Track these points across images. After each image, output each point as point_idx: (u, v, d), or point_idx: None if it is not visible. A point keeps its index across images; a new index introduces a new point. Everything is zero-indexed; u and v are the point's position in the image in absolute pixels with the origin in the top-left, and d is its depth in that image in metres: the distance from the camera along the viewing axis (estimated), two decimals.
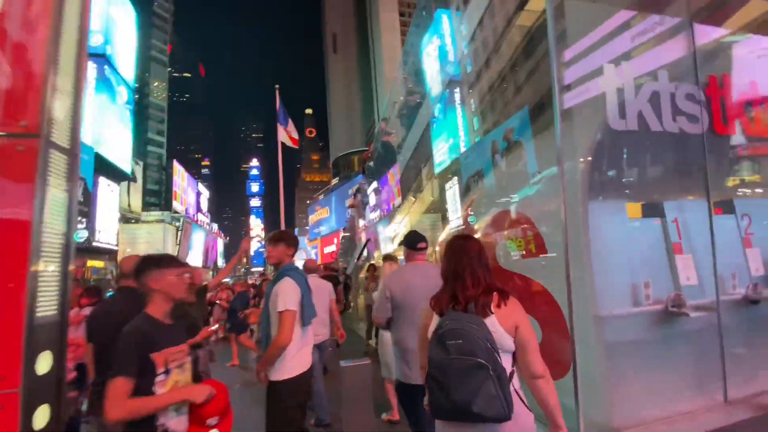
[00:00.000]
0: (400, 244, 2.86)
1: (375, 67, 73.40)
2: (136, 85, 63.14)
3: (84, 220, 29.21)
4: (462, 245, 1.52)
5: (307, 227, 68.01)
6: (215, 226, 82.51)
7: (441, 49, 14.61)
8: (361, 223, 18.99)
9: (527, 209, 2.72)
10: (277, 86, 15.79)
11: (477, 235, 3.31)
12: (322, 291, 3.89)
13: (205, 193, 75.81)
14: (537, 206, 2.67)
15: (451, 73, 13.68)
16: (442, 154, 14.44)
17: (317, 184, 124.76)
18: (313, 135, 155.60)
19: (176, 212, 55.70)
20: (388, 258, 4.50)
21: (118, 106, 36.44)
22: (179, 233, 53.32)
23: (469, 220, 3.43)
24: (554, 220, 2.31)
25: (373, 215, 17.76)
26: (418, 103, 15.23)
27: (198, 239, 59.85)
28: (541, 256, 2.53)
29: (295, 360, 2.21)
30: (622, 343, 2.25)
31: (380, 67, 70.16)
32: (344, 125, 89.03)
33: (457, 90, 13.76)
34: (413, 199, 11.75)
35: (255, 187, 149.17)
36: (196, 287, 3.06)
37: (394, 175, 15.13)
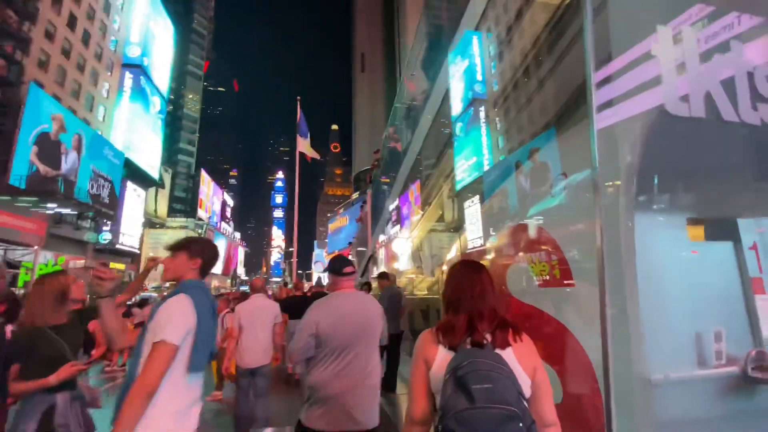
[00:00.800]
0: (325, 269, 2.24)
1: (400, 86, 74.13)
2: (171, 97, 66.31)
3: (109, 222, 30.10)
4: (476, 270, 1.35)
5: (326, 240, 68.18)
6: (238, 235, 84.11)
7: (468, 69, 14.86)
8: (381, 237, 18.56)
9: (550, 225, 2.10)
10: (298, 98, 15.87)
11: (489, 256, 2.77)
12: (265, 313, 3.60)
13: (230, 203, 77.88)
14: (562, 221, 2.05)
15: (478, 92, 13.67)
16: (463, 171, 14.18)
17: (339, 198, 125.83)
18: (337, 150, 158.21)
19: (200, 219, 57.10)
20: (383, 276, 4.01)
21: (151, 115, 37.98)
22: None
23: (490, 240, 2.91)
24: (585, 240, 1.70)
25: (393, 231, 17.34)
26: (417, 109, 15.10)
27: (220, 247, 60.72)
28: (565, 283, 1.89)
29: (168, 426, 1.41)
30: (682, 421, 1.57)
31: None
32: (368, 141, 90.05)
33: (482, 109, 13.75)
34: (421, 213, 11.19)
35: (279, 199, 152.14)
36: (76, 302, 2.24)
37: (413, 191, 14.77)
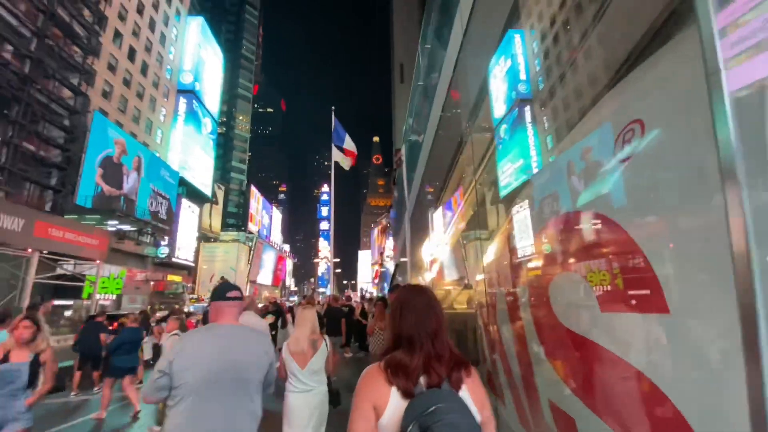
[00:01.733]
0: (212, 297, 1.87)
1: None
2: (223, 119, 71.01)
3: (166, 237, 32.22)
4: (431, 300, 1.20)
5: (369, 250, 68.36)
6: (287, 248, 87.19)
7: (510, 69, 14.50)
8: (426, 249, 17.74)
9: (623, 214, 1.33)
10: (333, 107, 15.78)
11: (536, 264, 2.18)
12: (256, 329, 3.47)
13: (278, 217, 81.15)
14: (648, 206, 1.26)
15: (522, 92, 13.87)
16: (508, 176, 13.57)
17: (381, 209, 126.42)
18: (379, 161, 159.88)
19: (251, 233, 59.83)
20: (394, 291, 3.37)
21: (203, 137, 40.57)
22: (251, 253, 56.95)
23: (543, 249, 2.23)
24: (677, 228, 0.94)
25: (436, 239, 16.63)
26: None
27: (269, 259, 63.34)
28: (653, 305, 1.13)
29: None
30: None
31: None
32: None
33: (528, 108, 13.98)
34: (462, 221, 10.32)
35: (324, 211, 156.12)
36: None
37: (457, 198, 14.14)
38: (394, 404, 1.03)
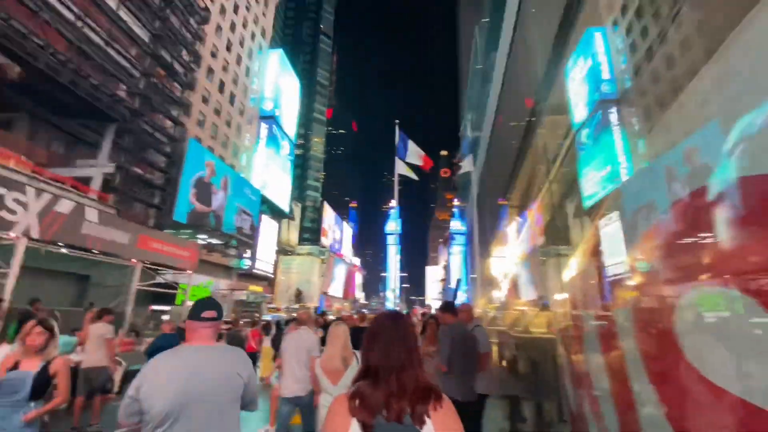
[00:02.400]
0: (189, 314, 1.76)
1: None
2: (300, 141, 76.41)
3: (248, 250, 35.03)
4: (399, 330, 1.19)
5: (437, 265, 66.86)
6: (357, 261, 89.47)
7: (591, 70, 13.48)
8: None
9: None
10: (396, 121, 15.77)
11: (635, 282, 1.75)
12: (300, 345, 3.76)
13: (349, 231, 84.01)
14: None
15: (607, 92, 12.46)
16: (593, 185, 12.20)
17: (450, 222, 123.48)
18: (447, 175, 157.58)
19: (323, 247, 62.58)
20: (448, 309, 2.92)
21: (282, 158, 43.89)
22: (324, 266, 59.34)
23: (637, 266, 1.77)
24: None
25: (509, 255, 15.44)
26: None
27: (340, 272, 65.41)
28: None
29: None
30: None
31: None
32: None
33: (613, 110, 12.36)
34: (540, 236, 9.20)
35: (390, 227, 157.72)
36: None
37: (533, 211, 12.96)
38: None
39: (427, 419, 1.06)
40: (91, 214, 13.85)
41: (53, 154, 19.11)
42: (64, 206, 12.77)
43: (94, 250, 14.71)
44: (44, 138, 19.10)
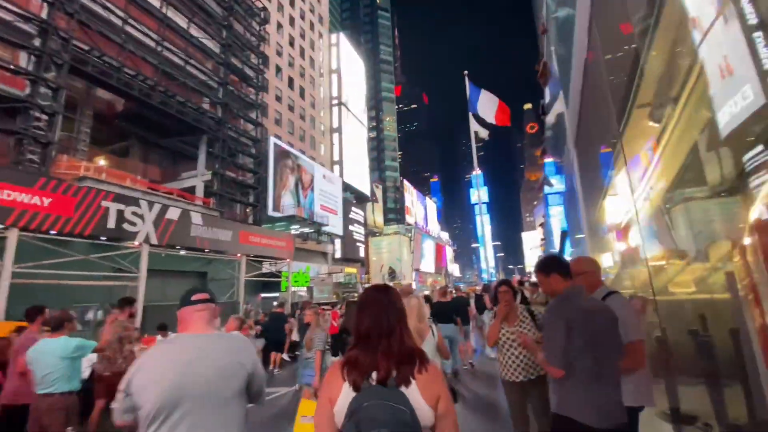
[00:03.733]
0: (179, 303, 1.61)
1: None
2: (372, 124, 76.87)
3: (339, 236, 36.69)
4: (388, 297, 1.27)
5: (533, 231, 62.00)
6: (445, 235, 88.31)
7: None
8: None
9: None
10: (465, 72, 14.16)
11: None
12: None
13: (432, 207, 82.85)
14: None
15: None
16: (732, 104, 8.96)
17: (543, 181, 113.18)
18: (534, 131, 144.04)
19: (409, 225, 62.77)
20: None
21: (357, 142, 44.50)
22: (411, 243, 59.60)
23: None
24: None
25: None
26: None
27: (428, 247, 65.15)
28: None
29: None
30: None
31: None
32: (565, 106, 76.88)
33: None
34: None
35: (474, 197, 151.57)
36: None
37: (648, 154, 10.25)
38: (344, 396, 1.12)
39: (412, 380, 1.12)
40: (196, 217, 15.39)
41: (164, 172, 21.92)
42: (173, 213, 14.34)
43: (205, 250, 16.45)
44: (155, 159, 21.97)
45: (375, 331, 1.19)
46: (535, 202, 72.66)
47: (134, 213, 12.92)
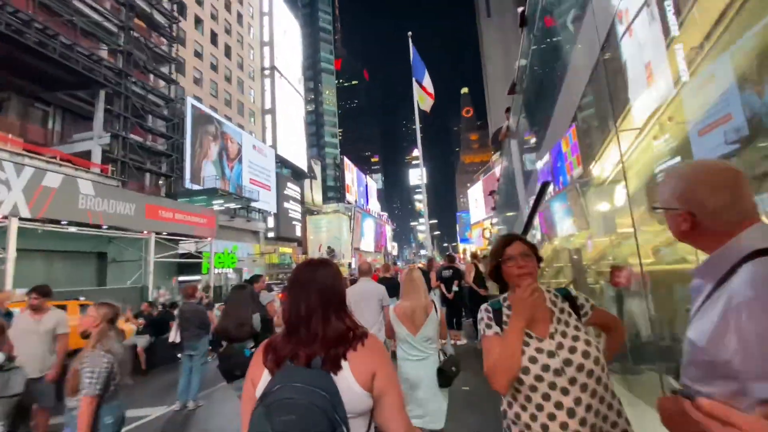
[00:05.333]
0: None
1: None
2: (310, 96, 73.01)
3: (272, 213, 34.30)
4: (307, 274, 1.12)
5: (467, 211, 64.74)
6: (385, 215, 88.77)
7: None
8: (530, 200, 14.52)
9: None
10: (409, 33, 13.22)
11: None
12: (370, 295, 3.58)
13: (373, 185, 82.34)
14: None
15: None
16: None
17: (478, 165, 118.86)
18: (470, 115, 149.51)
19: (349, 203, 61.65)
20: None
21: (292, 112, 41.48)
22: (351, 222, 58.78)
23: None
24: None
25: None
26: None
27: (368, 227, 64.85)
28: None
29: None
30: None
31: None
32: (504, 94, 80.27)
33: None
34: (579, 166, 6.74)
35: (414, 177, 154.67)
36: None
37: (568, 139, 10.30)
38: (263, 381, 1.02)
39: (342, 362, 1.00)
40: (86, 186, 12.69)
41: (50, 133, 18.01)
42: (52, 180, 11.59)
43: (102, 226, 13.81)
44: (38, 117, 17.92)
45: (296, 314, 1.06)
46: (469, 184, 75.71)
47: None
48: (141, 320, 5.77)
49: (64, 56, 14.55)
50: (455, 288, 6.34)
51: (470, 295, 6.39)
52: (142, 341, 5.73)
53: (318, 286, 1.08)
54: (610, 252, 3.43)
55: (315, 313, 1.04)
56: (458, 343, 6.25)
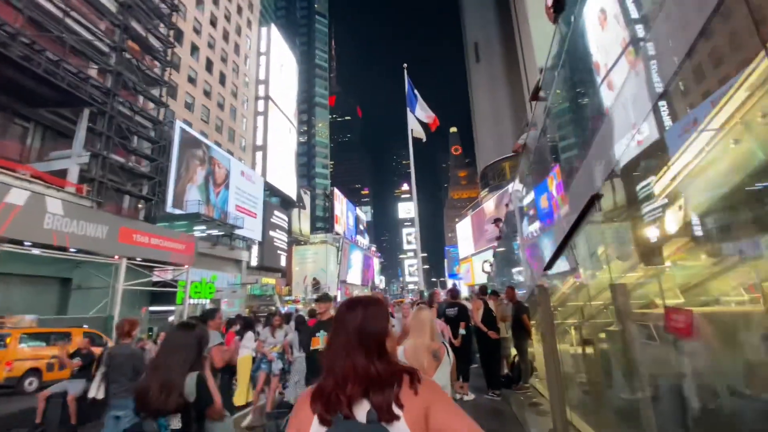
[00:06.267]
0: None
1: (525, 64, 65.84)
2: (303, 128, 73.97)
3: (257, 241, 33.19)
4: (348, 314, 1.07)
5: (455, 246, 64.42)
6: (373, 247, 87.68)
7: None
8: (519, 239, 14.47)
9: None
10: (405, 65, 13.53)
11: None
12: None
13: (363, 218, 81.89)
14: None
15: None
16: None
17: (465, 201, 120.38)
18: (458, 152, 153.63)
19: (337, 234, 60.72)
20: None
21: (283, 142, 41.47)
22: (339, 253, 57.56)
23: None
24: None
25: (532, 227, 12.92)
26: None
27: (356, 258, 63.62)
28: None
29: None
30: None
31: (531, 60, 62.52)
32: (491, 135, 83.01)
33: None
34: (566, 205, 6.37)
35: (402, 210, 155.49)
36: None
37: (553, 178, 10.13)
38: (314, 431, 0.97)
39: (398, 412, 0.91)
40: (54, 205, 11.79)
41: (27, 150, 17.19)
42: (16, 197, 10.71)
43: (69, 248, 12.75)
44: (17, 133, 17.16)
45: (331, 354, 1.02)
46: (457, 219, 76.02)
47: None
48: (77, 360, 4.58)
49: (50, 72, 14.11)
50: (462, 331, 5.24)
51: (478, 338, 5.45)
52: (76, 387, 4.44)
53: (350, 323, 1.03)
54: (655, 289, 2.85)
55: (352, 353, 0.99)
56: (465, 398, 5.18)
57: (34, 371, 8.71)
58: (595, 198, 3.25)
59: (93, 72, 16.73)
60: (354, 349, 0.98)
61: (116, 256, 14.30)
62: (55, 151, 17.22)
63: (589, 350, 4.14)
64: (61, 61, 14.56)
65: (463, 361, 5.27)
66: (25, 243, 11.64)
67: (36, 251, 12.34)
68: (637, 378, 2.74)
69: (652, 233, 2.60)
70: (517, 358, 6.22)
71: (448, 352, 2.31)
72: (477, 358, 6.21)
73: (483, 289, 6.46)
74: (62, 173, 16.01)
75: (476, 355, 6.15)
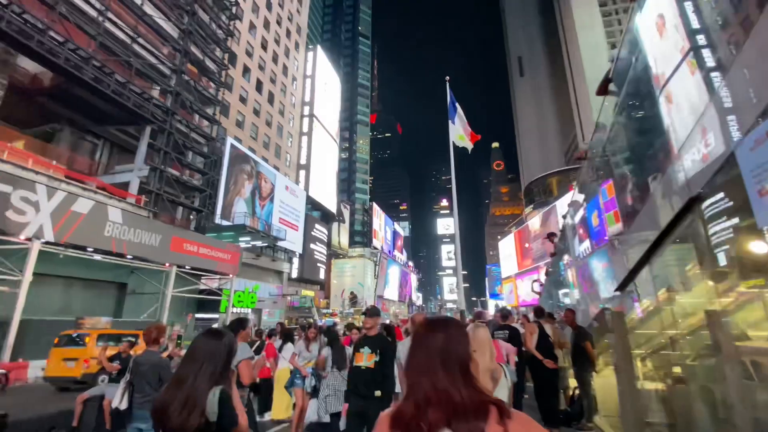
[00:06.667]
0: None
1: (573, 77, 63.40)
2: (345, 145, 75.85)
3: (298, 254, 33.89)
4: (429, 335, 1.00)
5: (497, 264, 61.91)
6: (410, 263, 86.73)
7: None
8: (566, 258, 13.54)
9: None
10: (447, 78, 13.22)
11: None
12: None
13: (401, 233, 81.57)
14: None
15: None
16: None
17: (508, 218, 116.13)
18: (500, 168, 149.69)
19: (375, 248, 60.71)
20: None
21: (327, 159, 42.56)
22: (377, 268, 57.37)
23: None
24: None
25: (582, 247, 11.92)
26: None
27: (393, 274, 63.05)
28: None
29: None
30: None
31: (579, 73, 60.04)
32: (537, 149, 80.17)
33: None
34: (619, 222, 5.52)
35: (441, 227, 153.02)
36: None
37: (602, 195, 9.17)
38: None
39: None
40: (115, 214, 12.64)
41: (96, 164, 18.84)
42: (82, 205, 11.58)
43: (126, 255, 13.58)
44: (87, 149, 18.91)
45: (408, 375, 0.96)
46: (499, 236, 73.29)
47: (24, 199, 10.13)
48: (116, 364, 4.55)
49: (117, 93, 15.41)
50: (515, 358, 4.53)
51: (532, 367, 4.69)
52: (113, 392, 4.34)
53: (439, 342, 0.96)
54: None
55: (439, 377, 0.92)
56: None
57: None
58: (694, 201, 2.68)
59: (155, 92, 18.11)
60: (436, 372, 0.92)
61: (167, 264, 15.04)
62: (120, 165, 18.71)
63: (670, 386, 3.45)
64: (128, 83, 15.88)
65: (516, 391, 4.54)
66: (87, 249, 12.53)
67: (97, 257, 13.25)
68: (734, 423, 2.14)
69: None
70: (577, 392, 5.49)
71: (505, 374, 2.15)
72: (527, 388, 5.54)
73: (539, 311, 5.65)
74: (124, 185, 17.30)
75: (527, 384, 5.49)
